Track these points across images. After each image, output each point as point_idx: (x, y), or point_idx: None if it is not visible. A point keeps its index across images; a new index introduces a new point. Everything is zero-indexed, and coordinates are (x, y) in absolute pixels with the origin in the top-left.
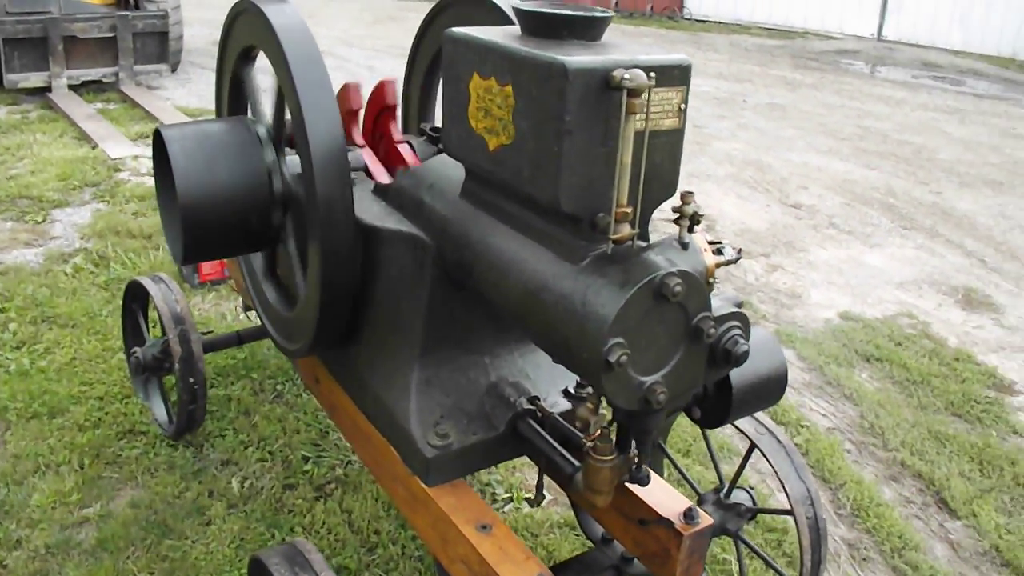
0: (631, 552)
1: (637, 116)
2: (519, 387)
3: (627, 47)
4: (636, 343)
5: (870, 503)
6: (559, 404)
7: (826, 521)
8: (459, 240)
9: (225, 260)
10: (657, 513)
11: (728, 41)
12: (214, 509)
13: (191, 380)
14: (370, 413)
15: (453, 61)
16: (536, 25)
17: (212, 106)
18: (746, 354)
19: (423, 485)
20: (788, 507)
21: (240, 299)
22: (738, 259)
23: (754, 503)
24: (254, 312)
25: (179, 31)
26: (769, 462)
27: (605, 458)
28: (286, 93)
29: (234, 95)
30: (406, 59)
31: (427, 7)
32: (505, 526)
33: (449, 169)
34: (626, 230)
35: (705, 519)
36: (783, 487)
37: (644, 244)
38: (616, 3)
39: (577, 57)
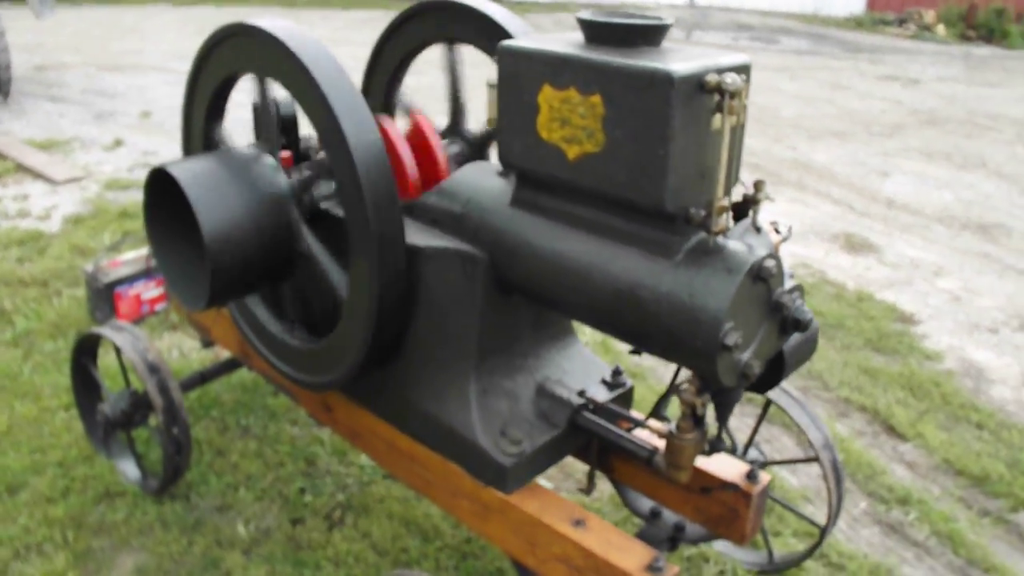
0: (693, 519)
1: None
2: (564, 383)
3: (687, 51)
4: (739, 324)
5: (833, 440)
6: (600, 393)
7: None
8: (518, 250)
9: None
10: (721, 480)
11: (552, 20)
12: (230, 559)
13: (175, 430)
14: (417, 432)
15: (515, 73)
16: (606, 34)
17: (61, 136)
18: (811, 321)
19: (499, 494)
20: (805, 457)
21: (187, 336)
22: (790, 236)
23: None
24: (218, 346)
25: (7, 59)
26: (789, 415)
27: (688, 436)
28: (317, 115)
29: (212, 125)
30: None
31: (245, 14)
32: (598, 518)
33: (483, 180)
34: (723, 222)
35: (764, 477)
36: (806, 436)
37: (722, 233)
38: None
39: (677, 65)
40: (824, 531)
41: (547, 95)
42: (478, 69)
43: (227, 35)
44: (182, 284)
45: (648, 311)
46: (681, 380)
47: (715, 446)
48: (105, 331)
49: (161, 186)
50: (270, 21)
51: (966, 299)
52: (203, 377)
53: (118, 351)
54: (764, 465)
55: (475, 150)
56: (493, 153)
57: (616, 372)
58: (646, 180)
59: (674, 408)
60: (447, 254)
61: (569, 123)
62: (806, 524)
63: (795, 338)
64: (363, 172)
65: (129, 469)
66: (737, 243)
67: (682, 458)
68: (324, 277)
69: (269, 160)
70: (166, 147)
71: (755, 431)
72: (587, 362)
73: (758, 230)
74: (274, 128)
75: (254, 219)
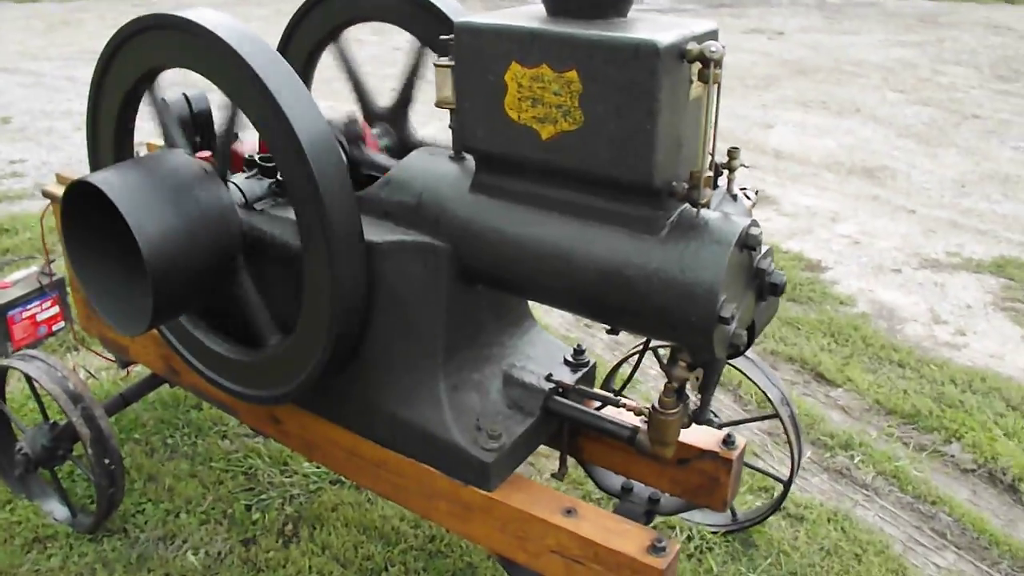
0: (670, 492)
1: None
2: (530, 369)
3: (657, 19)
4: (730, 295)
5: (789, 396)
6: (565, 375)
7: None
8: (485, 237)
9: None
10: (699, 449)
11: None
12: None
13: (107, 461)
14: (384, 437)
15: (476, 52)
16: (572, 6)
17: None
18: (785, 283)
19: (481, 492)
20: (760, 415)
21: (94, 355)
22: (757, 201)
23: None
24: (138, 366)
25: None
26: (747, 376)
27: (672, 411)
28: (256, 110)
29: (123, 130)
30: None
31: (93, 7)
32: (588, 504)
33: (435, 167)
34: (708, 193)
35: (740, 442)
36: (764, 395)
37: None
38: None
39: (660, 35)
40: (787, 484)
41: (515, 73)
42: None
43: (141, 29)
44: (113, 307)
45: (637, 290)
46: (631, 352)
47: (698, 418)
48: (14, 363)
49: (79, 200)
50: (192, 11)
51: (865, 242)
52: (125, 400)
53: (31, 382)
54: (721, 427)
55: (399, 134)
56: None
57: (578, 351)
58: (631, 156)
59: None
60: (406, 247)
61: (541, 102)
62: (760, 480)
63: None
64: (316, 165)
65: (56, 509)
66: (717, 213)
67: (668, 434)
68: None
69: (201, 164)
70: (34, 154)
71: (711, 393)
72: (548, 344)
73: (734, 198)
74: (189, 128)
75: (193, 230)
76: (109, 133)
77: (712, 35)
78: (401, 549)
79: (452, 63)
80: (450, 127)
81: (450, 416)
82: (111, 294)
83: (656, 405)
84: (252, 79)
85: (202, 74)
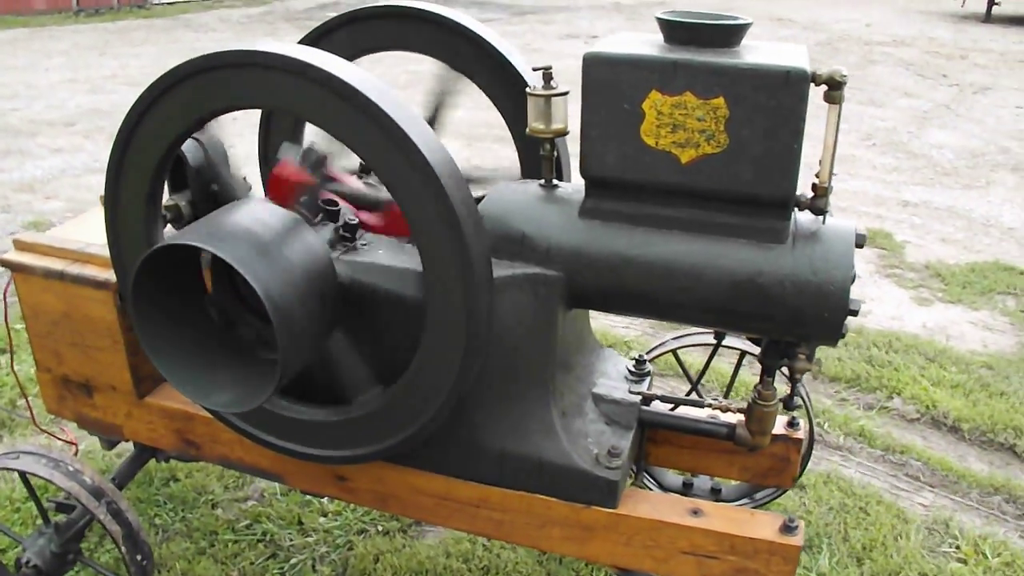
0: (739, 478)
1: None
2: (612, 384)
3: (766, 47)
4: None
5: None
6: (638, 385)
7: None
8: (605, 261)
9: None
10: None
11: (216, 17)
12: None
13: (139, 557)
14: (487, 475)
15: (611, 82)
16: (702, 37)
17: None
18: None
19: (605, 511)
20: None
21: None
22: None
23: None
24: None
25: None
26: None
27: (772, 403)
28: (377, 155)
29: (159, 181)
30: None
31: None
32: (707, 502)
33: (530, 198)
34: (825, 202)
35: (803, 423)
36: None
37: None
38: (77, 2)
39: (799, 61)
40: (806, 458)
41: (654, 101)
42: None
43: (205, 68)
44: (201, 383)
45: (771, 295)
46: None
47: (789, 405)
48: (16, 464)
49: (149, 270)
50: (285, 46)
51: None
52: (119, 484)
53: (27, 482)
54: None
55: None
56: None
57: (639, 361)
58: (775, 173)
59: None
60: (517, 281)
61: (683, 127)
62: None
63: None
64: (455, 201)
65: None
66: (826, 217)
67: (768, 424)
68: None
69: (293, 215)
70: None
71: (733, 380)
72: (611, 358)
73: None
74: (206, 175)
75: (305, 289)
76: (143, 182)
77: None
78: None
79: (559, 92)
80: (543, 155)
81: (567, 442)
82: (193, 369)
83: (757, 399)
84: (379, 118)
85: (294, 113)
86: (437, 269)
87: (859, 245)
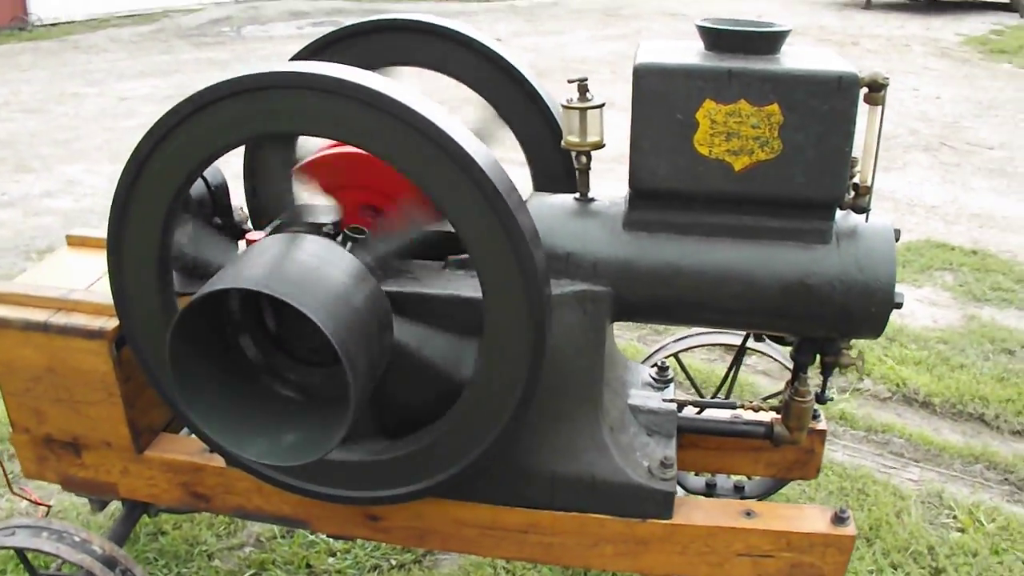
0: (765, 474)
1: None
2: (643, 393)
3: (804, 52)
4: None
5: None
6: (664, 392)
7: None
8: (655, 272)
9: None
10: None
11: (105, 37)
12: None
13: None
14: (537, 499)
15: (663, 92)
16: (743, 43)
17: None
18: None
19: (660, 522)
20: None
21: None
22: None
23: None
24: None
25: None
26: (767, 354)
27: (808, 398)
28: (435, 178)
29: (173, 216)
30: None
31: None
32: (757, 502)
33: (565, 212)
34: (867, 201)
35: (822, 416)
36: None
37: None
38: None
39: (847, 66)
40: None
41: (708, 110)
42: None
43: (235, 92)
44: (249, 436)
45: (820, 295)
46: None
47: (821, 399)
48: (5, 541)
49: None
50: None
51: None
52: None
53: (25, 560)
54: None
55: None
56: None
57: (662, 368)
58: (828, 176)
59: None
60: (566, 299)
61: (737, 135)
62: None
63: None
64: (518, 219)
65: None
66: (867, 215)
67: (804, 419)
68: (429, 364)
69: (342, 249)
70: None
71: (734, 376)
72: (634, 367)
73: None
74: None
75: (369, 330)
76: (156, 217)
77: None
78: None
79: (595, 105)
80: (578, 168)
81: (618, 458)
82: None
83: (794, 396)
84: (440, 142)
85: (330, 137)
86: (500, 291)
87: (897, 239)
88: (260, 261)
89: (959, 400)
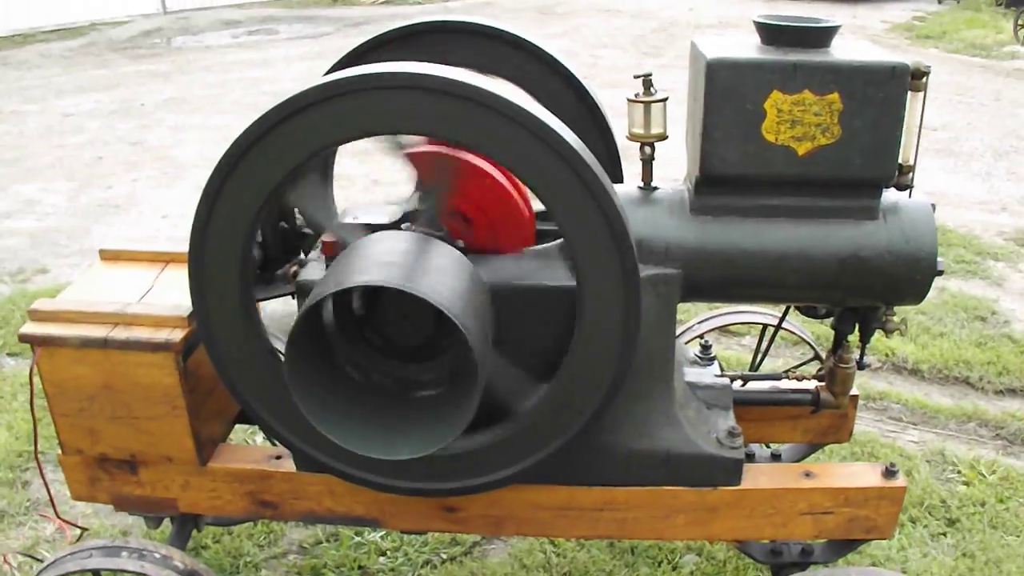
0: (801, 440)
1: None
2: (696, 370)
3: (856, 45)
4: None
5: None
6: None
7: None
8: (723, 254)
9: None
10: None
11: (35, 52)
12: None
13: None
14: (612, 477)
15: (734, 86)
16: (801, 38)
17: None
18: None
19: (730, 489)
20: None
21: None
22: None
23: None
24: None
25: None
26: (790, 330)
27: (851, 364)
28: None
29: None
30: None
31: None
32: (814, 463)
33: (634, 201)
34: (910, 179)
35: None
36: (804, 339)
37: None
38: None
39: (896, 58)
40: None
41: (775, 100)
42: None
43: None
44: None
45: (872, 267)
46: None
47: (861, 365)
48: (84, 563)
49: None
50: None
51: None
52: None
53: None
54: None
55: None
56: None
57: (705, 347)
58: (881, 158)
59: None
60: (642, 283)
61: (801, 123)
62: None
63: None
64: (623, 214)
65: None
66: (907, 193)
67: (848, 384)
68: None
69: (456, 251)
70: None
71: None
72: (679, 346)
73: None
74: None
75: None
76: (246, 217)
77: None
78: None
79: (659, 99)
80: (642, 158)
81: (691, 431)
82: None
83: (838, 363)
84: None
85: (445, 137)
86: (597, 278)
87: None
88: (396, 261)
89: (944, 366)
